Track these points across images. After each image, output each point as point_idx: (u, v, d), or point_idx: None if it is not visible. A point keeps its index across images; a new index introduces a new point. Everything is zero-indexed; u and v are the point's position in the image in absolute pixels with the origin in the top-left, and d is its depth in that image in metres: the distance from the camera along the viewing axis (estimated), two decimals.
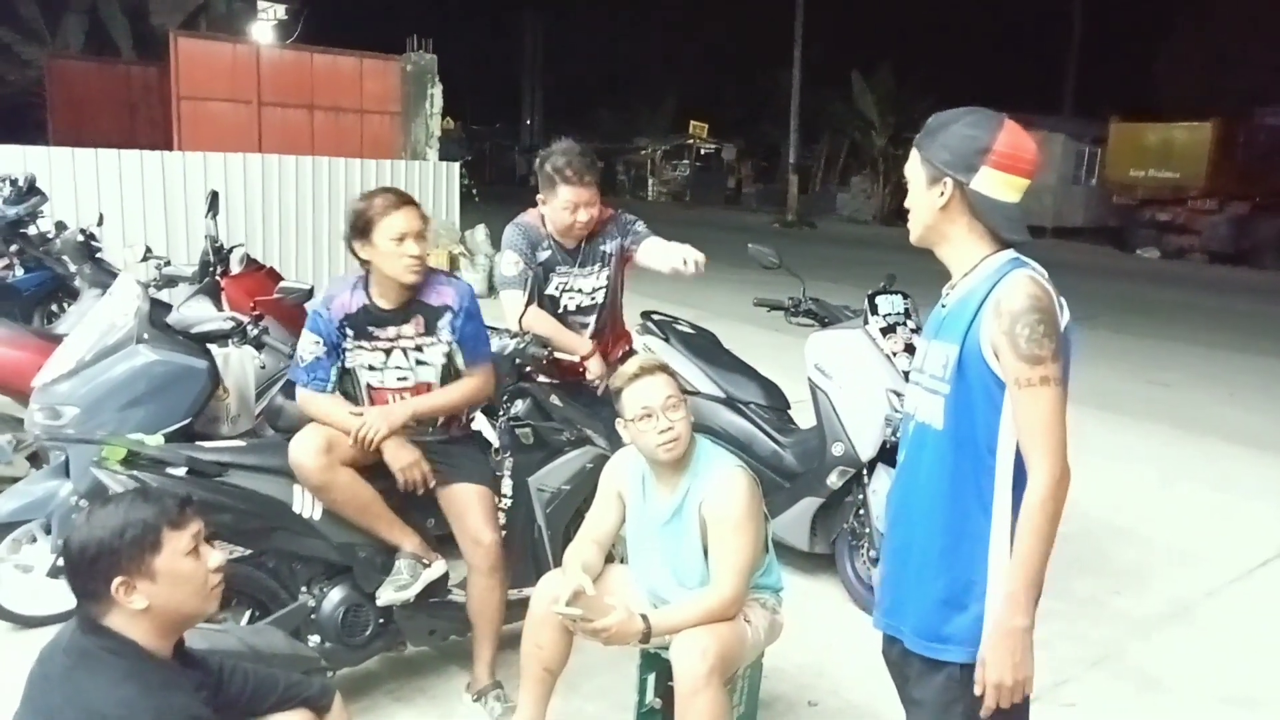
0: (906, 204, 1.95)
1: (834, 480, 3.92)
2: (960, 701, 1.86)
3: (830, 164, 30.27)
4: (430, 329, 2.92)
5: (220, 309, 4.04)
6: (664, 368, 2.64)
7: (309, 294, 3.59)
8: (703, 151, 34.85)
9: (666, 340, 4.47)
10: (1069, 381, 1.78)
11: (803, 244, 17.99)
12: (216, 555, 1.84)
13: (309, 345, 2.90)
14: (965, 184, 1.82)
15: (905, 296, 4.08)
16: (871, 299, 4.04)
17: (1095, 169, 22.77)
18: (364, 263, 2.83)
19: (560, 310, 3.57)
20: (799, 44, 24.53)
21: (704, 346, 4.56)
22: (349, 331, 2.89)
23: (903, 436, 2.04)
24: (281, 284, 3.78)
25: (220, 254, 4.52)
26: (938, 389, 1.87)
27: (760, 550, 2.63)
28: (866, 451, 3.84)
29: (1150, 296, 14.10)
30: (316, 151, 11.20)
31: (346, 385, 2.99)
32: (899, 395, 3.79)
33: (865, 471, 3.88)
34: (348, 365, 2.94)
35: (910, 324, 4.01)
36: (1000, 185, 1.82)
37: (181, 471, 2.70)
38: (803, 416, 4.38)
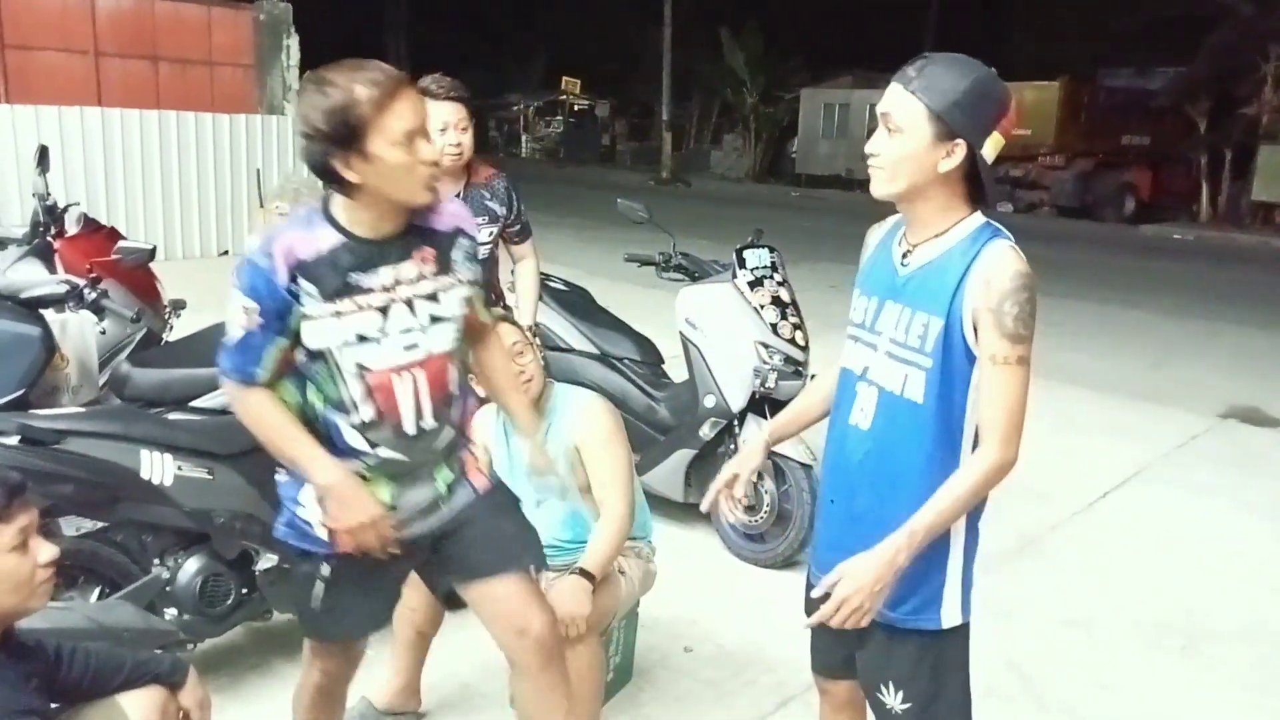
0: (871, 149, 1.72)
1: (706, 432, 3.98)
2: (925, 662, 1.86)
3: (703, 122, 30.44)
4: (445, 265, 1.97)
5: (54, 272, 3.76)
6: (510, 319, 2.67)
7: (151, 254, 3.38)
8: (576, 108, 34.50)
9: (540, 298, 4.41)
10: None
11: (677, 201, 18.08)
12: (48, 549, 1.71)
13: (236, 315, 1.86)
14: (978, 149, 1.69)
15: (772, 250, 4.16)
16: (739, 253, 4.09)
17: None
18: (351, 187, 1.80)
19: None
20: (669, 1, 24.47)
21: (577, 303, 4.53)
22: (310, 289, 1.83)
23: (845, 392, 1.89)
24: (120, 244, 3.54)
25: (53, 213, 4.19)
26: (916, 361, 1.76)
27: (631, 464, 2.75)
28: (737, 402, 3.92)
29: None
30: (162, 106, 10.54)
31: (318, 372, 1.92)
32: (767, 347, 3.88)
33: (736, 422, 3.96)
34: (314, 345, 1.88)
35: (777, 276, 4.09)
36: (994, 148, 1.71)
37: (13, 440, 2.50)
38: (676, 371, 4.42)
